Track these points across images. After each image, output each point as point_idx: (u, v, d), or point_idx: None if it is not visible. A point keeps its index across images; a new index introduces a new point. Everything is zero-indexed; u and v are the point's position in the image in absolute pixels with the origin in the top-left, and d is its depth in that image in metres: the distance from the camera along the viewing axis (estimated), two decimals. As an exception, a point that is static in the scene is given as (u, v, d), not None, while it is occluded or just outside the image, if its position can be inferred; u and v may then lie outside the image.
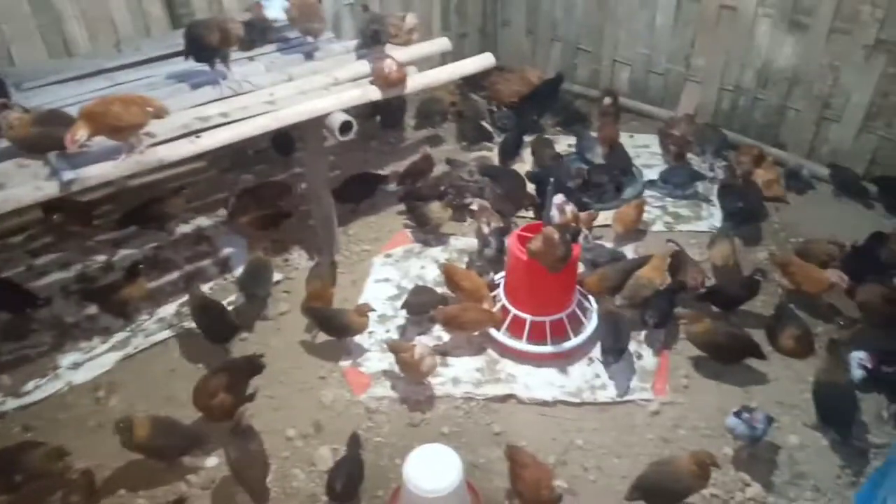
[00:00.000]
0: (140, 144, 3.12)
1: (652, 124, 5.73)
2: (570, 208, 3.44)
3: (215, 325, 3.68)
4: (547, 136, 5.45)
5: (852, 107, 4.72)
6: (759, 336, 3.62)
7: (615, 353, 3.43)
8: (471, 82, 6.15)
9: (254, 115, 3.47)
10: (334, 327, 3.63)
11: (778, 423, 3.24)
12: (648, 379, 3.52)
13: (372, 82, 3.80)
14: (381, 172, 5.09)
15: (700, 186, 4.87)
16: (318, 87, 3.78)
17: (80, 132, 2.89)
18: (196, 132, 3.29)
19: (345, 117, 3.60)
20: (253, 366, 3.37)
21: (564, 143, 5.50)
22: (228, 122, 3.41)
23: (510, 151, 5.22)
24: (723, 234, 4.22)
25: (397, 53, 3.95)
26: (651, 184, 4.97)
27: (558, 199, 3.42)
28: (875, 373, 3.24)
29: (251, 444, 2.90)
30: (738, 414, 2.98)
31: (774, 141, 5.24)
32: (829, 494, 2.97)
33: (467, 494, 2.80)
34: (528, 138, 5.38)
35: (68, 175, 2.96)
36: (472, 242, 4.45)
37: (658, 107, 5.85)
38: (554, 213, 3.42)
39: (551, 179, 3.37)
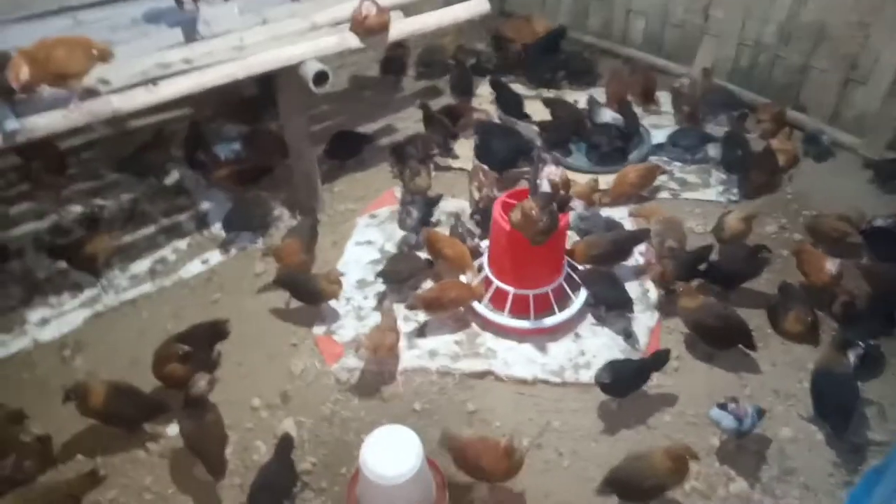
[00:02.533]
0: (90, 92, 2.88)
1: (666, 81, 5.33)
2: (559, 175, 3.16)
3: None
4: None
5: (881, 68, 4.31)
6: (761, 317, 3.40)
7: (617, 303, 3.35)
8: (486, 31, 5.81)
9: (219, 62, 3.20)
10: (304, 294, 3.44)
11: (770, 413, 3.03)
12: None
13: (351, 28, 3.49)
14: (366, 132, 4.80)
15: (711, 150, 4.53)
16: (292, 33, 3.48)
17: (23, 69, 2.64)
18: (154, 80, 3.04)
19: (319, 67, 3.31)
20: (217, 330, 3.22)
21: (571, 100, 5.17)
22: (191, 70, 3.15)
23: (510, 105, 4.90)
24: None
25: (381, -2, 3.61)
26: (659, 147, 4.64)
27: (549, 168, 3.14)
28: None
29: (207, 415, 2.76)
30: (723, 406, 2.77)
31: (795, 103, 4.85)
32: (820, 493, 2.77)
33: (430, 478, 2.65)
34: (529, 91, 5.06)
35: (12, 125, 2.74)
36: (463, 205, 4.19)
37: (673, 61, 5.45)
38: (542, 181, 3.15)
39: (538, 145, 3.08)
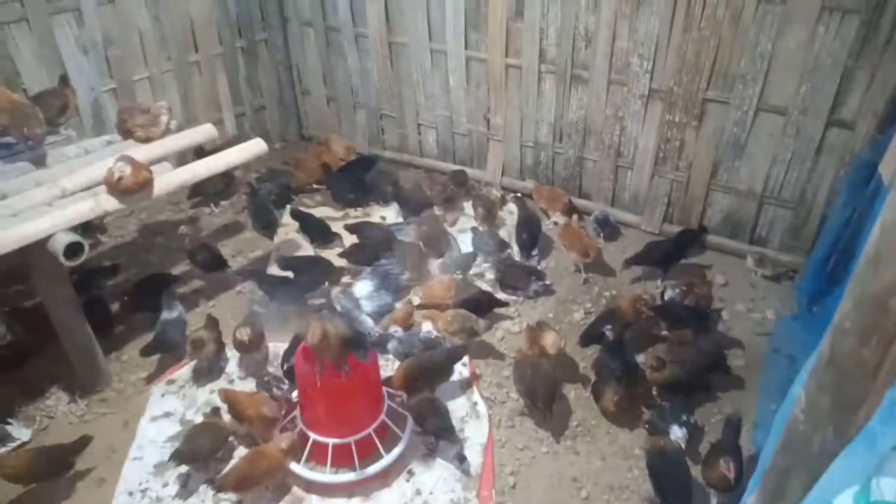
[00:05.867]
0: None
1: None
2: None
3: None
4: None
5: (641, 153, 4.83)
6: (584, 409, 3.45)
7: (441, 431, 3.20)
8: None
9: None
10: None
11: (610, 513, 3.00)
12: (473, 486, 3.15)
13: (107, 191, 3.19)
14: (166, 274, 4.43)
15: (515, 252, 4.70)
16: (38, 204, 3.10)
17: None
18: None
19: (70, 238, 2.96)
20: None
21: (377, 217, 5.20)
22: None
23: (316, 232, 4.80)
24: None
25: (141, 151, 3.38)
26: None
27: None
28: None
29: None
30: None
31: (579, 192, 5.26)
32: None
33: None
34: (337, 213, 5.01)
35: None
36: (277, 351, 3.87)
37: (468, 167, 5.72)
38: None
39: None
